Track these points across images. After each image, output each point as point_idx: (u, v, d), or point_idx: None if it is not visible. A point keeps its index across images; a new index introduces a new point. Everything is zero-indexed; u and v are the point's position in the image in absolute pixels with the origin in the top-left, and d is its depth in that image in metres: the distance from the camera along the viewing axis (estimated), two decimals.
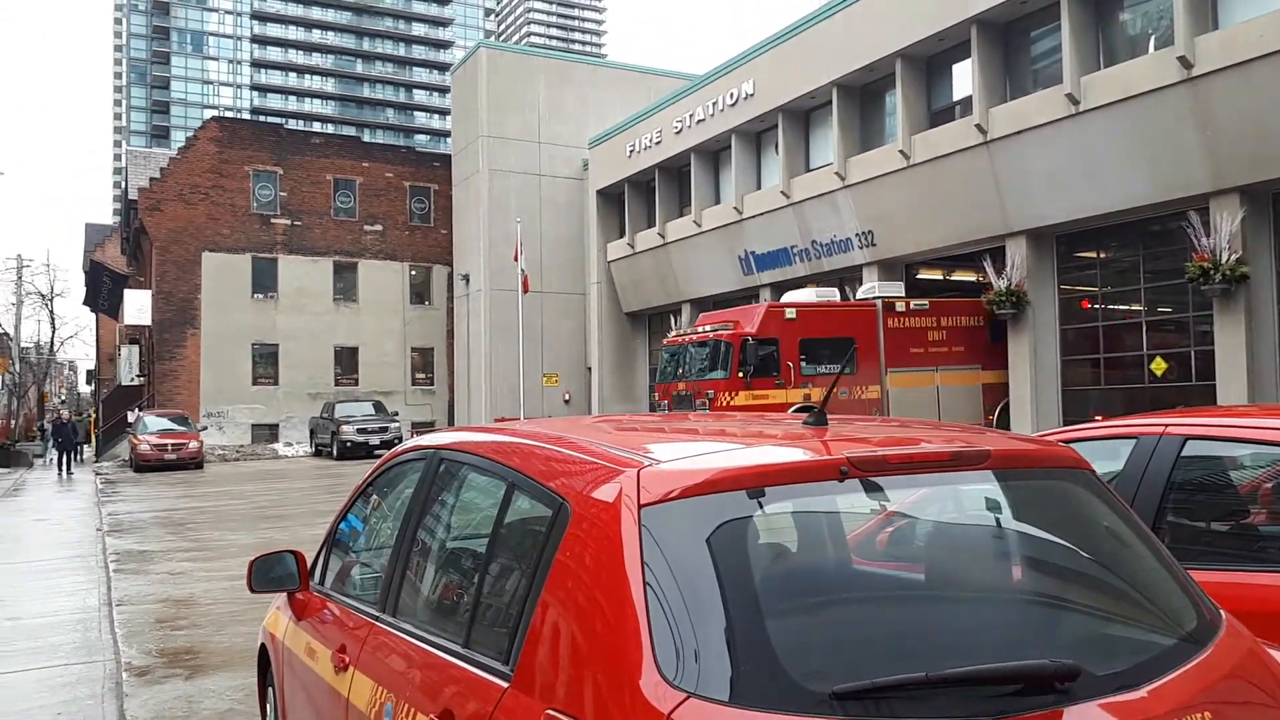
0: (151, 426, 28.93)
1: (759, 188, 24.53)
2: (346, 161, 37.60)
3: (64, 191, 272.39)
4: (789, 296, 19.73)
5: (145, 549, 12.72)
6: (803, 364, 17.71)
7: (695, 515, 1.87)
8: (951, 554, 2.30)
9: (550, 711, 1.86)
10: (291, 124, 77.13)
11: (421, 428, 35.93)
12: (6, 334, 53.69)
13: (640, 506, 1.88)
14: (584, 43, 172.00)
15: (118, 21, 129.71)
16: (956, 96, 19.17)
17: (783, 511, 2.09)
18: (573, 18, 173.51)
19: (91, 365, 62.67)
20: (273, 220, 36.10)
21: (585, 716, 1.77)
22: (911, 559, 2.28)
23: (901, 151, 19.41)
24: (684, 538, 1.85)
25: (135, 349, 41.04)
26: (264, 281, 35.98)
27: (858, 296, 19.50)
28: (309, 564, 3.75)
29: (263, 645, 4.28)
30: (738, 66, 24.46)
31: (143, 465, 27.67)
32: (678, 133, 26.86)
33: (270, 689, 4.16)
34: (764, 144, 24.79)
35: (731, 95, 24.55)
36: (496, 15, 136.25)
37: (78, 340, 71.23)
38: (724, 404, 17.38)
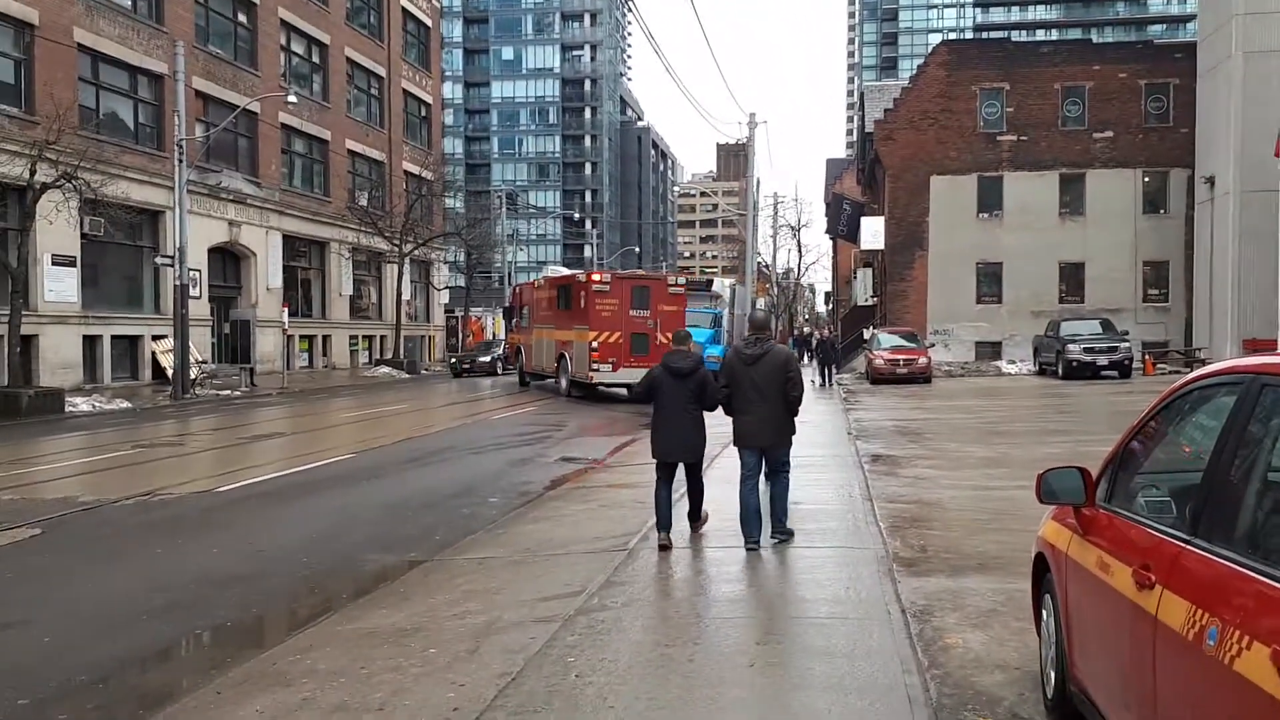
0: (884, 343, 31.31)
1: None
2: (1075, 67, 35.63)
3: (810, 132, 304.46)
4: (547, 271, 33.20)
5: (890, 454, 13.94)
6: (522, 320, 31.05)
7: None
8: None
9: None
10: (1016, 36, 75.16)
11: (1154, 348, 33.12)
12: (766, 263, 62.38)
13: None
14: None
15: None
16: None
17: None
18: None
19: (829, 288, 69.74)
20: (998, 138, 35.94)
21: None
22: None
23: None
24: None
25: (869, 272, 44.57)
26: (989, 200, 36.20)
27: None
28: (1094, 480, 3.82)
29: (1039, 554, 4.49)
30: None
31: (877, 378, 30.09)
32: None
33: (1047, 595, 4.35)
34: None
35: None
36: None
37: (818, 266, 79.81)
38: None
